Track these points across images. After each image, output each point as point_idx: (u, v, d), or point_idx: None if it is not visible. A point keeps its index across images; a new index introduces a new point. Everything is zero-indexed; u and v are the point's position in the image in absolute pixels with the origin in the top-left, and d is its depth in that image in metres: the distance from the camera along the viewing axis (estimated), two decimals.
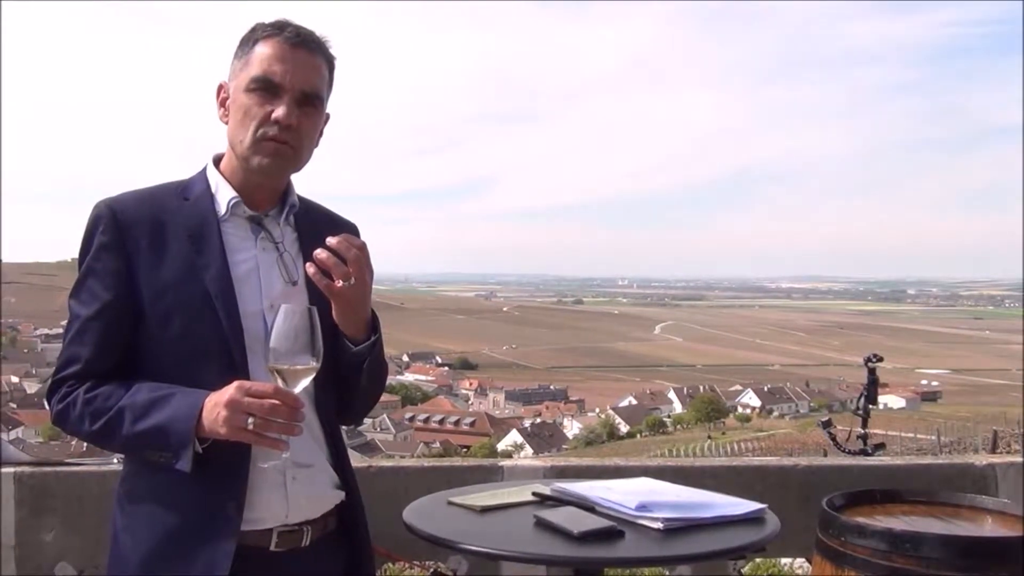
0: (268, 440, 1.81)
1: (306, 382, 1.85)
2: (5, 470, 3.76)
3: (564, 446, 74.01)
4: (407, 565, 4.17)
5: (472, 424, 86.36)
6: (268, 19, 2.03)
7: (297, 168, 2.07)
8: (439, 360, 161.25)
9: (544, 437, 77.49)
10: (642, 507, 2.22)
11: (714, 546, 2.17)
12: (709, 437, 66.24)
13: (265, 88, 1.95)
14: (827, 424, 4.73)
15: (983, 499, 3.09)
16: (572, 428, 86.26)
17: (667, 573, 4.20)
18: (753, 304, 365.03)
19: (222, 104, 2.05)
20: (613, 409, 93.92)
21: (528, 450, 68.16)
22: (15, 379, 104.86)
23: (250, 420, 1.78)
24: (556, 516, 2.21)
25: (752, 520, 2.30)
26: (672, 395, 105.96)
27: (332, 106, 2.11)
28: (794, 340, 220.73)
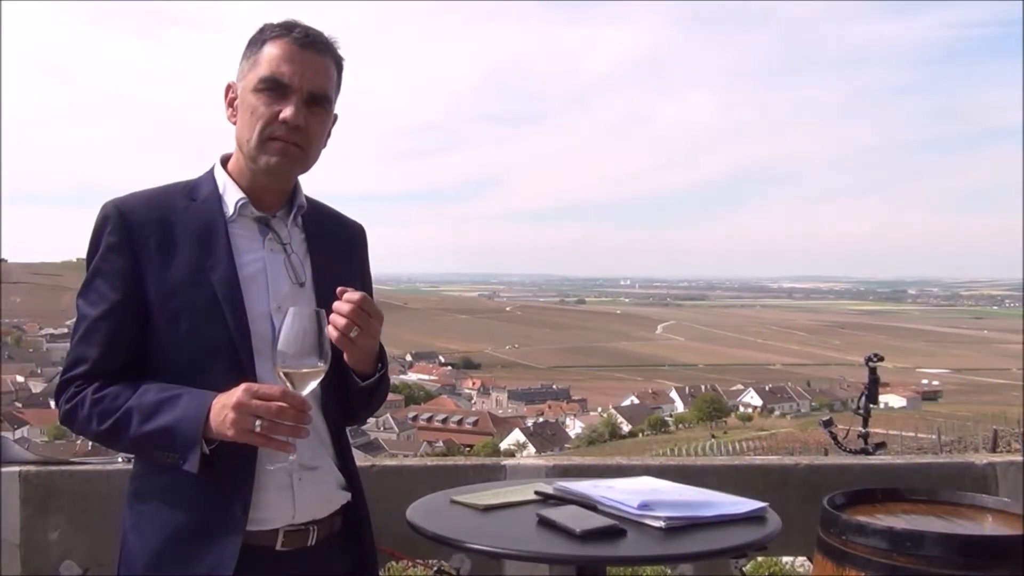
0: (275, 442, 1.81)
1: (314, 385, 1.85)
2: (11, 469, 3.78)
3: (566, 445, 73.98)
4: (411, 563, 4.18)
5: (475, 423, 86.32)
6: (276, 20, 2.03)
7: (305, 169, 2.06)
8: (442, 360, 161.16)
9: (547, 436, 77.44)
10: (644, 506, 2.22)
11: (716, 545, 2.17)
12: (713, 436, 66.19)
13: (273, 88, 1.95)
14: (828, 423, 4.73)
15: (984, 498, 3.09)
16: (574, 427, 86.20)
17: (669, 572, 4.21)
18: (755, 304, 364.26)
19: (230, 104, 2.04)
20: (615, 408, 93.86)
21: (531, 449, 68.20)
22: (20, 378, 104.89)
23: (257, 423, 1.78)
24: (559, 515, 2.21)
25: (753, 519, 2.30)
26: (674, 394, 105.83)
27: (339, 106, 2.11)
28: (795, 340, 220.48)
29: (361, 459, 2.97)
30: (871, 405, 4.49)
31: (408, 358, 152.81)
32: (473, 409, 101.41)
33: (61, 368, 2.04)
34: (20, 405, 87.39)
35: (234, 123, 2.04)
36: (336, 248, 2.18)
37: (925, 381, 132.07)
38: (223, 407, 1.81)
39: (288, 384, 1.83)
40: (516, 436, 77.32)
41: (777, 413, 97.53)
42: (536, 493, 2.47)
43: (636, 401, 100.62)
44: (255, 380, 1.89)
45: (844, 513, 2.88)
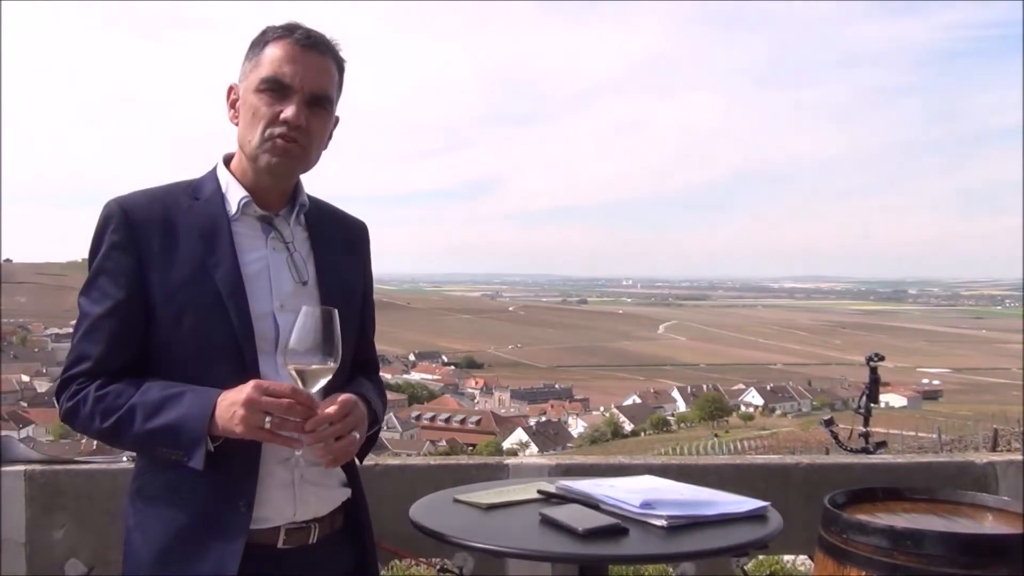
0: (282, 438, 1.82)
1: (323, 382, 1.87)
2: (16, 468, 3.79)
3: (569, 444, 73.87)
4: (414, 562, 4.20)
5: (478, 423, 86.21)
6: (278, 21, 2.03)
7: (306, 168, 2.07)
8: (445, 359, 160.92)
9: (549, 435, 77.35)
10: (646, 505, 2.22)
11: (717, 543, 2.18)
12: (716, 436, 66.11)
13: (275, 89, 1.95)
14: (829, 422, 4.73)
15: (984, 497, 3.10)
16: (577, 427, 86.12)
17: (671, 570, 4.22)
18: (756, 304, 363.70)
19: (232, 105, 2.04)
20: (617, 408, 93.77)
21: (533, 448, 68.12)
22: (26, 378, 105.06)
23: (267, 419, 1.79)
24: (561, 514, 2.21)
25: (755, 518, 2.30)
26: (676, 394, 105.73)
27: (341, 107, 2.11)
28: (797, 339, 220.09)
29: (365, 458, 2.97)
30: (872, 404, 4.49)
31: (411, 358, 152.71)
32: (476, 408, 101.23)
33: (63, 366, 2.02)
34: (25, 404, 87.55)
35: (236, 124, 2.04)
36: (339, 246, 2.18)
37: (926, 381, 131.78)
38: (231, 404, 1.81)
39: (298, 381, 1.84)
40: (519, 435, 77.25)
41: (778, 412, 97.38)
42: (538, 492, 2.48)
43: (638, 400, 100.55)
44: (259, 378, 1.88)
45: (845, 512, 2.89)
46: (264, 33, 2.02)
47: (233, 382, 1.86)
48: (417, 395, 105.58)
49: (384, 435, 73.96)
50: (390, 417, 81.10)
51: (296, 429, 1.82)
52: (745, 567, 3.91)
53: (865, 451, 4.34)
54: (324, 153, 2.10)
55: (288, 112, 1.94)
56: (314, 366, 1.84)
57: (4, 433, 4.17)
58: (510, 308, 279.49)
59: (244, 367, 1.92)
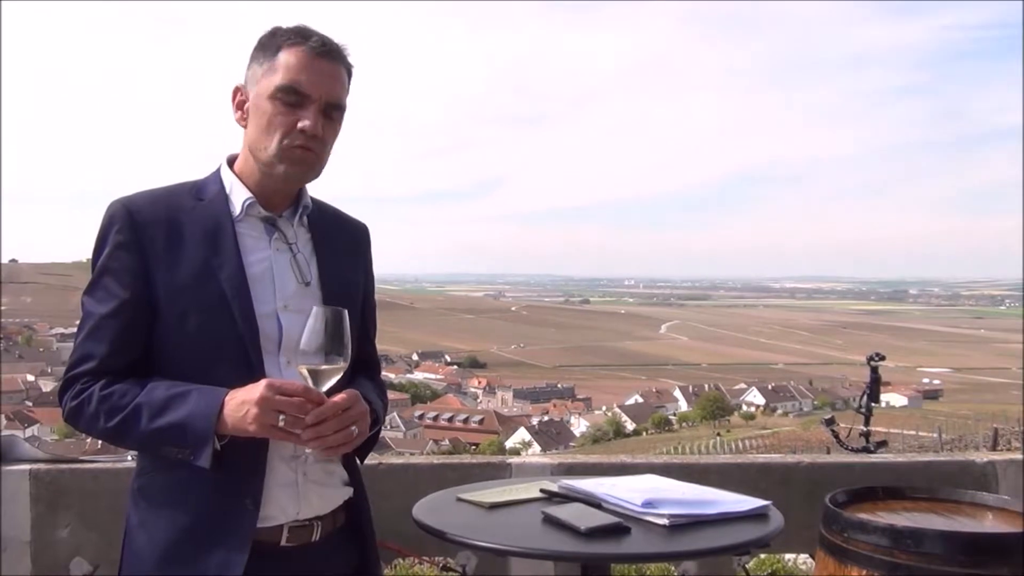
0: (295, 436, 1.83)
1: (333, 381, 1.88)
2: (21, 467, 3.80)
3: (571, 444, 73.75)
4: (417, 560, 4.21)
5: (481, 422, 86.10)
6: (287, 23, 2.03)
7: (317, 175, 2.08)
8: (448, 359, 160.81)
9: (552, 435, 77.25)
10: (648, 504, 2.23)
11: (719, 542, 2.18)
12: (719, 435, 65.99)
13: (291, 97, 1.96)
14: (830, 422, 4.73)
15: (984, 496, 3.11)
16: (579, 426, 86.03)
17: (673, 568, 4.24)
18: (757, 304, 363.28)
19: (239, 107, 2.04)
20: (620, 407, 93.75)
21: (536, 447, 68.04)
22: (31, 377, 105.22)
23: (281, 418, 1.81)
24: (563, 512, 2.22)
25: (756, 516, 2.31)
26: (678, 393, 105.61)
27: (346, 108, 2.11)
28: (798, 339, 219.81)
29: (367, 457, 2.99)
30: (873, 404, 4.49)
31: (414, 357, 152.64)
32: (479, 408, 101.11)
33: (67, 365, 2.01)
34: (31, 404, 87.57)
35: (243, 126, 2.04)
36: (341, 247, 2.19)
37: (926, 380, 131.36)
38: (243, 403, 1.82)
39: (309, 380, 1.86)
40: (521, 434, 77.13)
41: (780, 412, 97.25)
42: (541, 491, 2.48)
43: (640, 400, 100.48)
44: (263, 378, 1.89)
45: (846, 511, 2.90)
46: (274, 35, 2.01)
47: (238, 381, 1.87)
48: (420, 394, 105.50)
49: (387, 434, 74.07)
50: (393, 416, 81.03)
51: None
52: (747, 566, 3.92)
53: (866, 450, 4.35)
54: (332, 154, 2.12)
55: (306, 122, 1.96)
56: (324, 366, 1.86)
57: (9, 432, 4.18)
58: (513, 308, 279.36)
59: (249, 366, 1.92)
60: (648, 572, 4.70)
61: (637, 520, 2.21)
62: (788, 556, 4.56)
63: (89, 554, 3.75)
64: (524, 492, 2.50)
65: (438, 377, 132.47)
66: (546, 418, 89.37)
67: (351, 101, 2.12)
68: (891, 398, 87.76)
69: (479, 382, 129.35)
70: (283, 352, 1.98)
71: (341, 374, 1.89)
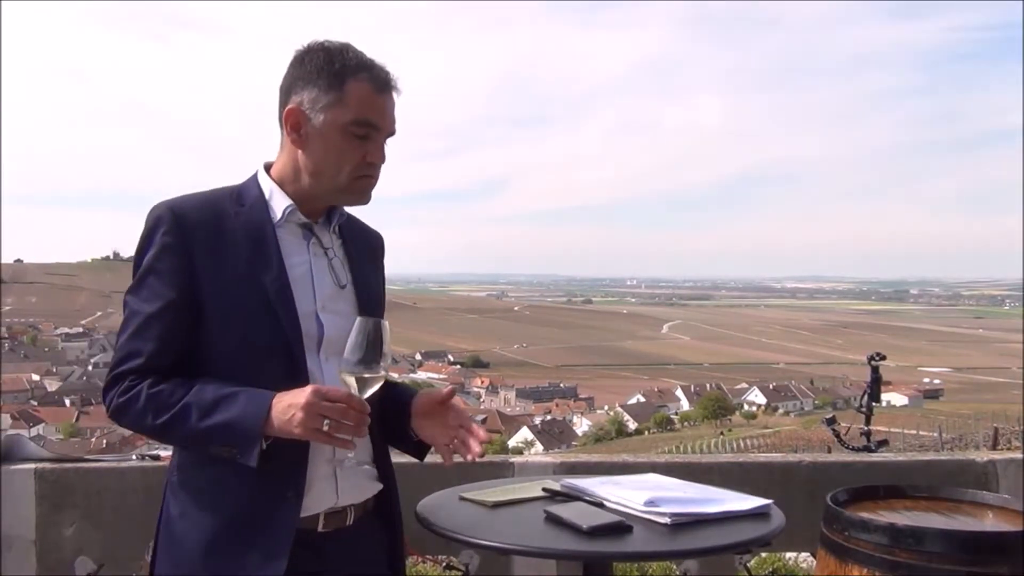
0: (338, 440, 1.92)
1: (375, 389, 1.98)
2: (26, 466, 3.82)
3: (574, 443, 73.57)
4: (420, 559, 4.22)
5: (483, 421, 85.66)
6: (328, 37, 2.11)
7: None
8: (451, 358, 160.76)
9: (554, 434, 77.14)
10: (650, 502, 2.24)
11: (720, 541, 2.19)
12: (721, 434, 65.95)
13: (361, 130, 2.07)
14: (831, 421, 4.73)
15: (984, 494, 3.12)
16: (581, 425, 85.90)
17: (674, 567, 4.25)
18: (759, 304, 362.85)
19: (295, 129, 2.10)
20: (622, 407, 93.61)
21: (538, 447, 67.94)
22: (36, 377, 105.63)
23: (325, 422, 1.89)
24: (566, 511, 2.23)
25: (758, 515, 2.32)
26: (679, 393, 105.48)
27: None
28: (799, 339, 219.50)
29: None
30: (873, 403, 4.49)
31: (417, 357, 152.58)
32: (481, 407, 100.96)
33: (111, 361, 2.05)
34: (36, 403, 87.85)
35: (298, 147, 2.11)
36: (365, 254, 2.31)
37: (927, 379, 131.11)
38: (290, 406, 1.90)
39: (353, 388, 1.95)
40: (524, 434, 76.99)
41: (781, 411, 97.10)
42: (544, 490, 2.49)
43: (642, 399, 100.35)
44: (306, 376, 2.02)
45: (847, 509, 2.91)
46: (332, 62, 2.06)
47: (282, 378, 1.98)
48: None
49: None
50: None
51: (350, 432, 1.92)
52: (748, 564, 3.93)
53: (867, 449, 4.35)
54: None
55: (375, 156, 2.10)
56: (366, 374, 1.96)
57: (14, 432, 4.20)
58: (516, 308, 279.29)
59: (292, 363, 2.03)
60: (650, 571, 4.71)
61: (639, 519, 2.22)
62: (789, 555, 4.57)
63: (94, 553, 3.77)
64: (526, 491, 2.52)
65: (441, 377, 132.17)
66: (548, 417, 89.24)
67: None
68: (892, 397, 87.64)
69: (482, 382, 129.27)
70: (322, 350, 2.08)
71: (382, 383, 1.99)
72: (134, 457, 3.99)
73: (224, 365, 2.02)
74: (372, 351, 1.95)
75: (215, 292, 2.01)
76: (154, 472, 3.79)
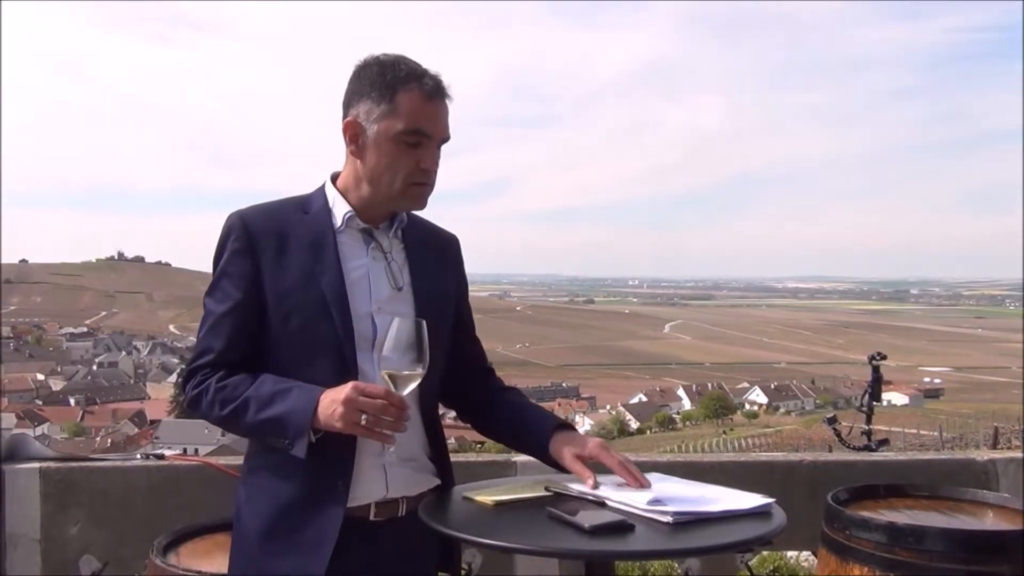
0: (377, 434, 2.04)
1: (413, 387, 2.09)
2: (31, 465, 3.84)
3: None
4: None
5: None
6: (380, 51, 2.22)
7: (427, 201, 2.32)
8: None
9: None
10: (652, 502, 2.23)
11: (722, 539, 2.18)
12: (723, 433, 65.97)
13: (413, 139, 2.17)
14: (832, 421, 4.74)
15: (984, 493, 3.13)
16: (584, 425, 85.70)
17: (676, 566, 4.27)
18: (760, 304, 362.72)
19: (353, 140, 2.22)
20: (624, 406, 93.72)
21: None
22: (41, 376, 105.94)
23: (363, 417, 2.00)
24: (568, 510, 2.21)
25: (759, 514, 2.30)
26: (681, 392, 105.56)
27: None
28: (800, 339, 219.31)
29: None
30: (874, 403, 4.50)
31: None
32: None
33: (190, 357, 2.26)
34: (40, 403, 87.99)
35: (357, 158, 2.23)
36: (431, 257, 2.41)
37: (927, 379, 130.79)
38: (332, 401, 2.03)
39: (391, 385, 2.06)
40: None
41: (782, 411, 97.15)
42: (546, 489, 2.50)
43: (644, 399, 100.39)
44: (357, 373, 2.15)
45: (848, 508, 2.92)
46: (383, 74, 2.18)
47: (335, 375, 2.11)
48: None
49: None
50: None
51: (389, 427, 2.03)
52: (749, 563, 3.95)
53: (868, 449, 4.36)
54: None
55: (428, 163, 2.20)
56: (404, 372, 2.06)
57: (19, 431, 4.22)
58: (518, 308, 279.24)
59: (345, 363, 2.17)
60: (652, 569, 4.73)
61: (641, 518, 2.21)
62: (790, 553, 4.59)
63: (98, 551, 3.78)
64: (529, 490, 2.51)
65: None
66: None
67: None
68: (892, 397, 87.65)
69: None
70: (376, 350, 2.16)
71: (420, 379, 2.09)
72: (138, 456, 4.01)
73: (285, 362, 2.18)
74: (409, 350, 2.04)
75: (277, 294, 2.18)
76: (158, 471, 3.81)
